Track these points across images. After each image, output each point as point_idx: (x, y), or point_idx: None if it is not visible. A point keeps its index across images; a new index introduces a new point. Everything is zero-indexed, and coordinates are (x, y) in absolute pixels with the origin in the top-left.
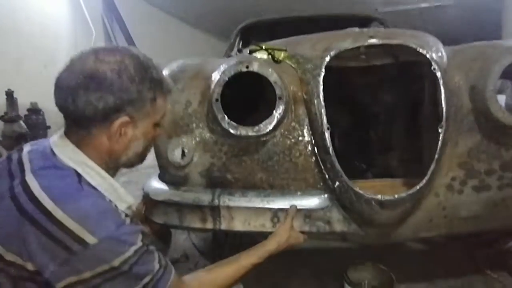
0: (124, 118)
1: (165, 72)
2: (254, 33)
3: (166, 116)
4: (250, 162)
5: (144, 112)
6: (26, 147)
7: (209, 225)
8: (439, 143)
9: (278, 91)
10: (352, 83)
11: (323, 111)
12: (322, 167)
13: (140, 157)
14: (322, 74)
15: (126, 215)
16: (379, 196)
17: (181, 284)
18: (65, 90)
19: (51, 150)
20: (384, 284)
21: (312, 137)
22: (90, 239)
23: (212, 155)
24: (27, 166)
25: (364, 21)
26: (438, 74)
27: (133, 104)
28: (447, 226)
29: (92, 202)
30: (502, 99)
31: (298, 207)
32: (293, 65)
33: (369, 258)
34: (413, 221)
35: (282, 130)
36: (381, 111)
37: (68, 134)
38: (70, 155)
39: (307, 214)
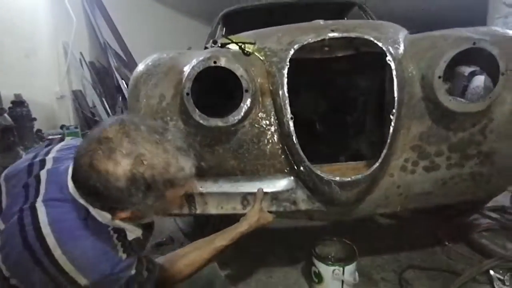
0: (126, 213)
1: (141, 67)
2: (236, 20)
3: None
4: (222, 150)
5: (150, 206)
6: (49, 158)
7: (186, 210)
8: (391, 128)
9: (244, 84)
10: (332, 70)
11: (287, 101)
12: (288, 153)
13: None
14: (286, 67)
15: (129, 243)
16: (337, 178)
17: (164, 273)
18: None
19: (66, 184)
20: (348, 256)
21: (278, 126)
22: (83, 281)
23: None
24: (42, 191)
25: (344, 7)
26: (392, 65)
27: (130, 206)
28: (402, 202)
29: (91, 245)
30: (481, 79)
31: (265, 190)
32: (261, 58)
33: (338, 234)
34: (371, 199)
35: (251, 120)
36: (357, 97)
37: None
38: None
39: (274, 196)
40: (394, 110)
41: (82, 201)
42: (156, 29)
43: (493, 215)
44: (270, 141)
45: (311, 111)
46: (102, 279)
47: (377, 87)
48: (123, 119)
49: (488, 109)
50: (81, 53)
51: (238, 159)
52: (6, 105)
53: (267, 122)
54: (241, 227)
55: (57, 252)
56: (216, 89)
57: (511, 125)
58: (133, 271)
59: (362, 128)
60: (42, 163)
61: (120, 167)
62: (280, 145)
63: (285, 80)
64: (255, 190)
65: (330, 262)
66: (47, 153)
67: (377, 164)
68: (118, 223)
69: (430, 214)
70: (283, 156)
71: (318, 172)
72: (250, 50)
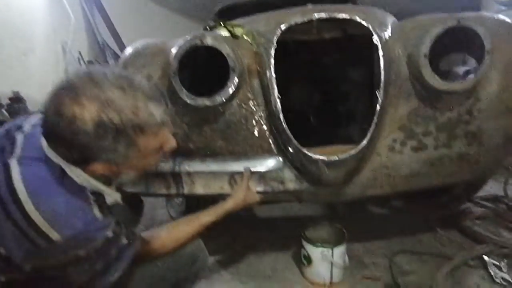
0: (99, 165)
1: (129, 50)
2: (231, 15)
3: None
4: (210, 131)
5: (123, 156)
6: (28, 123)
7: (173, 191)
8: (377, 107)
9: (230, 63)
10: (324, 61)
11: (274, 81)
12: (276, 133)
13: (142, 173)
14: (273, 47)
15: (108, 207)
16: (324, 157)
17: (146, 245)
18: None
19: (42, 145)
20: (338, 239)
21: (265, 106)
22: (55, 236)
23: (174, 126)
24: (17, 151)
25: (338, 3)
26: (379, 45)
27: (104, 151)
28: (391, 184)
29: (64, 201)
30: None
31: (252, 170)
32: (249, 40)
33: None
34: (359, 180)
35: (238, 101)
36: (349, 89)
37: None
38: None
39: (262, 175)
40: (380, 89)
41: (57, 159)
42: (154, 29)
43: (486, 204)
44: (258, 121)
45: (304, 104)
46: (75, 236)
47: (368, 78)
48: (90, 68)
49: (475, 89)
50: (79, 52)
51: (226, 140)
52: (3, 101)
53: (255, 103)
54: (227, 205)
55: (28, 206)
56: (209, 80)
57: (498, 105)
58: (109, 233)
59: (354, 117)
60: (20, 127)
61: (86, 111)
62: (268, 126)
63: (272, 60)
64: (243, 170)
65: (318, 244)
66: (26, 119)
67: (364, 142)
68: (96, 184)
69: (422, 202)
70: (271, 137)
71: (305, 151)
72: (238, 34)
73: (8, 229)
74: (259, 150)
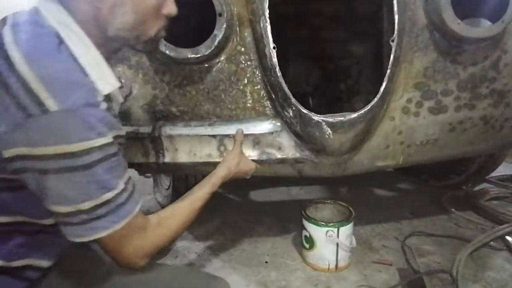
0: None
1: None
2: None
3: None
4: (195, 92)
5: None
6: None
7: (152, 159)
8: (391, 57)
9: (217, 7)
10: (323, 38)
11: (269, 29)
12: (271, 91)
13: (136, 33)
14: None
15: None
16: (329, 118)
17: (144, 220)
18: None
19: (36, 7)
20: (344, 218)
21: (259, 61)
22: (52, 105)
23: (153, 86)
24: (9, 21)
25: None
26: None
27: None
28: (404, 153)
29: (65, 68)
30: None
31: (245, 132)
32: None
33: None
34: (368, 147)
35: (227, 55)
36: (351, 65)
37: None
38: (53, 13)
39: (256, 140)
40: (394, 36)
41: (55, 23)
42: None
43: (504, 184)
44: (251, 79)
45: (303, 84)
46: (74, 112)
47: (371, 52)
48: None
49: (501, 38)
50: None
51: (214, 102)
52: None
53: (247, 57)
54: (220, 171)
55: (23, 67)
56: None
57: None
58: (109, 136)
59: (357, 93)
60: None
61: None
62: (263, 84)
63: (266, 5)
64: (233, 133)
65: (322, 223)
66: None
67: (375, 99)
68: (94, 53)
69: (433, 183)
70: (266, 97)
71: (306, 112)
72: None
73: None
74: (253, 114)
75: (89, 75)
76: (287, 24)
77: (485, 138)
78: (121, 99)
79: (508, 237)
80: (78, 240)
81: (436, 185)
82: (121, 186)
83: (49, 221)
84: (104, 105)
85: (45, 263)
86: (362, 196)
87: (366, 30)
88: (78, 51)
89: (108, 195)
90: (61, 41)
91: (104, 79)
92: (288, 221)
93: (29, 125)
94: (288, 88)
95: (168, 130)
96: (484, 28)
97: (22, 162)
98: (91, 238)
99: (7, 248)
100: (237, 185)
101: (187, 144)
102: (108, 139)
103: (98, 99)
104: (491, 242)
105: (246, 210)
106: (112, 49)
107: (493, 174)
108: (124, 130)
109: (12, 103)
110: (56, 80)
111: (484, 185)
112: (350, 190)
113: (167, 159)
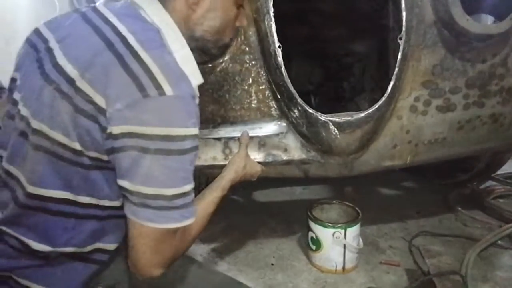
0: None
1: None
2: None
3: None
4: (199, 93)
5: None
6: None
7: None
8: (399, 55)
9: None
10: (325, 36)
11: (274, 27)
12: (276, 91)
13: (216, 37)
14: None
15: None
16: (336, 118)
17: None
18: None
19: (135, 3)
20: (351, 218)
21: (264, 60)
22: (168, 90)
23: None
24: (107, 12)
25: None
26: None
27: None
28: (412, 152)
29: (173, 61)
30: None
31: (251, 134)
32: None
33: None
34: (375, 147)
35: (231, 54)
36: (354, 63)
37: None
38: (155, 11)
39: (262, 142)
40: (402, 33)
41: (156, 20)
42: None
43: (510, 181)
44: (256, 79)
45: (306, 82)
46: (185, 97)
47: (374, 49)
48: None
49: (510, 35)
50: None
51: (219, 103)
52: None
53: (251, 57)
54: (228, 174)
55: (141, 52)
56: None
57: None
58: (197, 129)
59: (361, 91)
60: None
61: None
62: (268, 84)
63: (271, 3)
64: (239, 135)
65: (329, 224)
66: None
67: (383, 98)
68: (189, 52)
69: (439, 181)
70: (271, 98)
71: (312, 112)
72: None
73: (118, 74)
74: (258, 114)
75: (184, 69)
76: (289, 23)
77: (494, 137)
78: (197, 93)
79: None
80: (147, 223)
81: (442, 183)
82: (194, 182)
83: (121, 201)
84: (197, 100)
85: (112, 246)
86: (367, 195)
87: (367, 27)
88: (174, 47)
89: (188, 187)
90: (161, 37)
91: (194, 74)
92: (293, 222)
93: (144, 105)
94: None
95: None
96: (493, 24)
97: (127, 139)
98: (162, 226)
99: (83, 235)
100: (241, 186)
101: None
102: (197, 131)
103: (196, 93)
104: (499, 241)
105: (250, 211)
106: (193, 48)
107: (499, 171)
108: None
109: (132, 83)
110: (171, 70)
111: (490, 183)
112: (355, 189)
113: None
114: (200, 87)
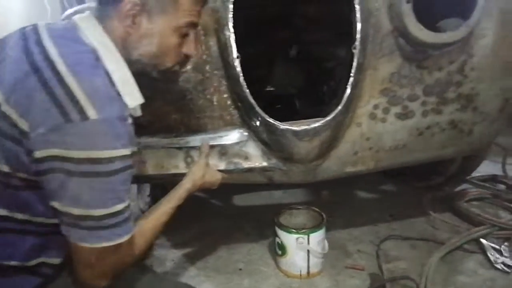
0: (130, 3)
1: None
2: None
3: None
4: (162, 102)
5: (160, 4)
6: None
7: None
8: (354, 65)
9: None
10: (308, 40)
11: (232, 38)
12: (238, 101)
13: (154, 62)
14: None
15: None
16: (293, 127)
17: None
18: None
19: (75, 24)
20: (316, 224)
21: (225, 70)
22: (92, 114)
23: None
24: (44, 33)
25: None
26: None
27: None
28: (374, 158)
29: (104, 83)
30: None
31: (211, 143)
32: None
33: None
34: (337, 154)
35: (193, 64)
36: (334, 67)
37: (93, 14)
38: (93, 32)
39: (222, 150)
40: (356, 43)
41: (93, 40)
42: None
43: (485, 185)
44: (218, 88)
45: (288, 85)
46: (110, 120)
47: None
48: None
49: (467, 42)
50: None
51: (181, 112)
52: None
53: (213, 66)
54: (185, 184)
55: (67, 77)
56: None
57: (494, 61)
58: (129, 149)
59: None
60: (34, 25)
61: None
62: (230, 93)
63: (231, 15)
64: (200, 144)
65: (293, 230)
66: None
67: (339, 107)
68: (128, 72)
69: (415, 184)
70: (232, 107)
71: (271, 121)
72: None
73: (41, 100)
74: (220, 123)
75: (119, 90)
76: (272, 26)
77: (455, 142)
78: (139, 113)
79: (482, 240)
80: (79, 243)
81: (419, 186)
82: (128, 201)
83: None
84: (130, 120)
85: (56, 260)
86: (344, 198)
87: (350, 31)
88: (112, 67)
89: (119, 207)
90: (97, 58)
91: (132, 94)
92: (267, 226)
93: (68, 129)
94: (273, 90)
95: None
96: (448, 33)
97: (52, 162)
98: (94, 245)
99: (23, 249)
100: (220, 190)
101: (154, 157)
102: (128, 151)
103: (127, 114)
104: (466, 245)
105: (227, 216)
106: (133, 70)
107: (475, 174)
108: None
109: (54, 108)
110: (97, 93)
111: (466, 186)
112: (332, 192)
113: (135, 171)
114: (163, 96)
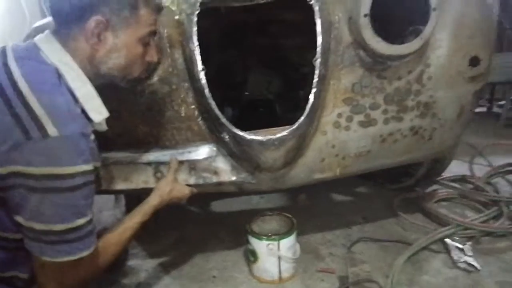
0: (98, 17)
1: None
2: None
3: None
4: (129, 115)
5: (123, 19)
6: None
7: None
8: (315, 76)
9: None
10: (284, 46)
11: (197, 51)
12: (205, 114)
13: (123, 74)
14: (196, 12)
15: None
16: (259, 137)
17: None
18: None
19: (36, 45)
20: (287, 230)
21: (191, 83)
22: (52, 131)
23: None
24: (10, 54)
25: None
26: (315, 5)
27: (108, 5)
28: (340, 165)
29: (66, 101)
30: None
31: (180, 159)
32: (173, 8)
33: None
34: (304, 162)
35: (160, 76)
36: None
37: (53, 33)
38: (53, 52)
39: (192, 165)
40: (317, 56)
41: (54, 60)
42: None
43: (454, 185)
44: (185, 100)
45: (265, 90)
46: (71, 137)
47: None
48: None
49: (423, 53)
50: None
51: (149, 124)
52: None
53: (179, 78)
54: (152, 200)
55: (30, 97)
56: None
57: (449, 70)
58: (90, 165)
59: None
60: (4, 47)
61: None
62: (197, 105)
63: (195, 28)
64: (168, 160)
65: (263, 237)
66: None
67: (302, 117)
68: (91, 89)
69: (387, 186)
70: (200, 118)
71: (236, 131)
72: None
73: (4, 119)
74: (188, 134)
75: (83, 106)
76: (248, 32)
77: (417, 148)
78: (105, 127)
79: (447, 240)
80: (41, 257)
81: (391, 188)
82: (90, 215)
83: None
84: (93, 137)
85: (25, 275)
86: (319, 202)
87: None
88: (75, 85)
89: (81, 221)
90: (60, 76)
91: (97, 109)
92: (242, 232)
93: (29, 146)
94: (251, 95)
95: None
96: (403, 45)
97: (14, 179)
98: (55, 259)
99: None
100: (197, 196)
101: (123, 172)
102: (90, 167)
103: (90, 131)
104: (432, 245)
105: (204, 223)
106: (100, 84)
107: (446, 175)
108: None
109: (16, 126)
110: (58, 110)
111: (437, 187)
112: (308, 196)
113: (104, 186)
114: (131, 108)
